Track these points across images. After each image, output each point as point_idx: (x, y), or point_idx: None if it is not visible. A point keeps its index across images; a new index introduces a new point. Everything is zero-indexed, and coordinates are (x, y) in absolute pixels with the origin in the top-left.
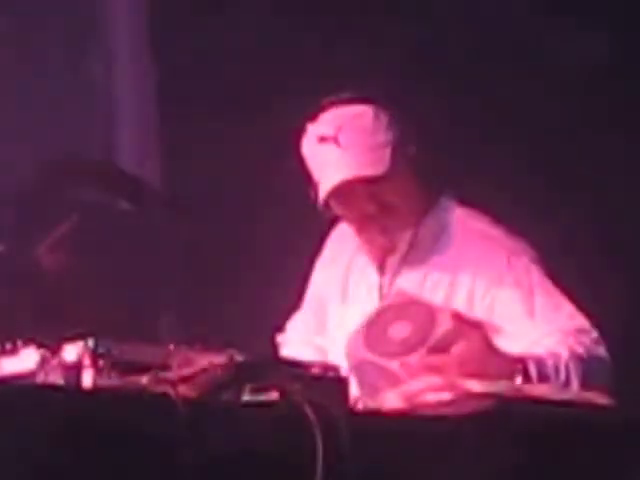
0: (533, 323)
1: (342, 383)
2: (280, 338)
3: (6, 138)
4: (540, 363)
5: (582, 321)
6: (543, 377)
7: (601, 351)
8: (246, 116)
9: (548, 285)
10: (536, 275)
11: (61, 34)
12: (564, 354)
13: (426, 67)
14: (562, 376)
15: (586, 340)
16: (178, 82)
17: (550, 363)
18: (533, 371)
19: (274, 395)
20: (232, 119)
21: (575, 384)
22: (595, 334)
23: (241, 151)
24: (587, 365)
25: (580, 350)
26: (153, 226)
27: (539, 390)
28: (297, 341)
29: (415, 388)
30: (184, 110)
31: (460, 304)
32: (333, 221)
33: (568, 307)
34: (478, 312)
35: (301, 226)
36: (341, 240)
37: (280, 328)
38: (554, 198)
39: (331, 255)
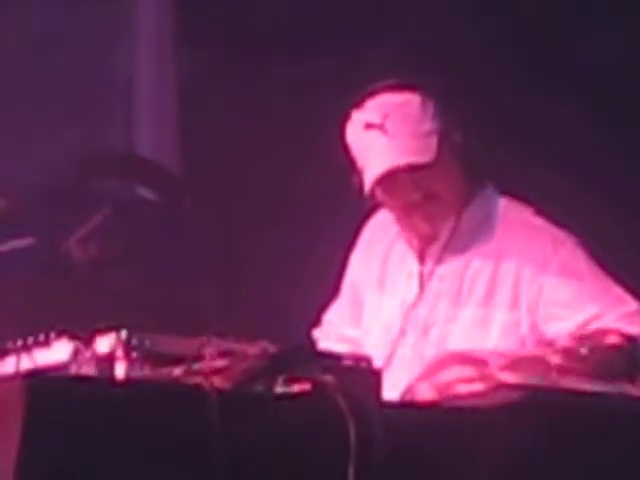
0: (582, 306)
1: (375, 374)
2: (316, 333)
3: (28, 134)
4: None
5: (632, 303)
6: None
7: None
8: (272, 111)
9: (595, 268)
10: (582, 259)
11: (86, 29)
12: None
13: (473, 55)
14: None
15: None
16: (199, 80)
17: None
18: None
19: (307, 386)
20: (257, 114)
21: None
22: None
23: (263, 142)
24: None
25: (637, 334)
26: (181, 216)
27: (572, 381)
28: (332, 336)
29: (447, 379)
30: (204, 108)
31: (505, 292)
32: (369, 211)
33: (617, 289)
34: (525, 299)
35: (337, 218)
36: (377, 230)
37: (316, 322)
38: (596, 190)
39: (367, 245)
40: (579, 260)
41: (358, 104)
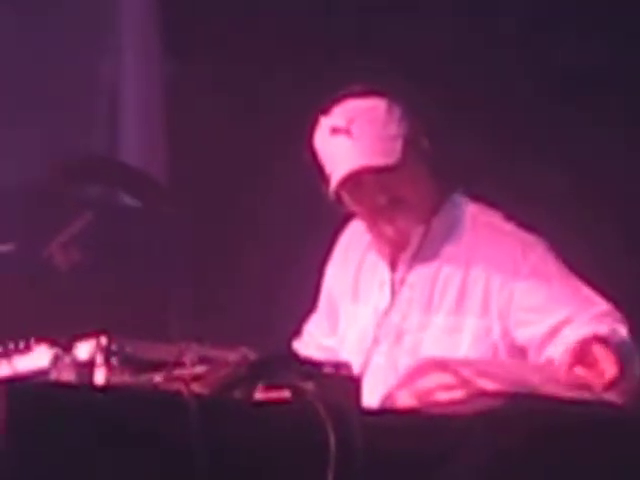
0: (553, 310)
1: (354, 381)
2: (296, 344)
3: (12, 136)
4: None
5: (603, 304)
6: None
7: (625, 333)
8: (255, 114)
9: (565, 271)
10: (552, 263)
11: (70, 29)
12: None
13: (441, 64)
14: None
15: (611, 323)
16: (186, 86)
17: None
18: None
19: (286, 393)
20: (241, 115)
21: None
22: (619, 315)
23: (248, 152)
24: (617, 348)
25: (607, 334)
26: (161, 222)
27: (552, 388)
28: (311, 346)
29: (427, 386)
30: (191, 108)
31: (476, 298)
32: (343, 221)
33: (586, 291)
34: (496, 305)
35: (315, 227)
36: (351, 239)
37: (297, 332)
38: (569, 194)
39: (342, 255)
40: (549, 264)
41: (325, 110)
